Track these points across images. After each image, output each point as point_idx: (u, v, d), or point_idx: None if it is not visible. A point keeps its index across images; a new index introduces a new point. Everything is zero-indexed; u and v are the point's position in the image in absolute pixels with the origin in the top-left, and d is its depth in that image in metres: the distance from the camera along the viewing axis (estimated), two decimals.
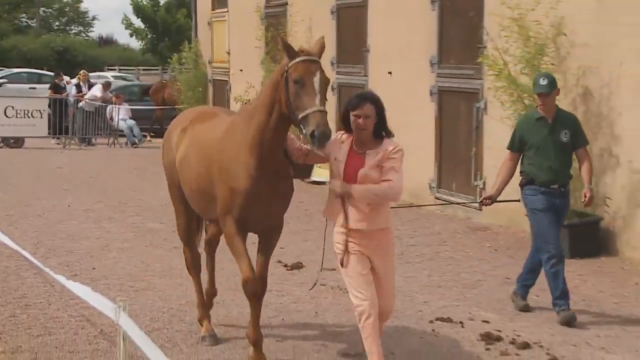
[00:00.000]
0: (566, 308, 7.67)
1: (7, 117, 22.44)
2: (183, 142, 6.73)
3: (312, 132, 5.39)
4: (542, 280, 9.18)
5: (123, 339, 4.57)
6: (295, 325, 7.42)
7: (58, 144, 23.59)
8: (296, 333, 7.17)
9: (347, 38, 16.45)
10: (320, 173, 15.87)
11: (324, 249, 6.16)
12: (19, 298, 8.10)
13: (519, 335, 7.23)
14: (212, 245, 7.35)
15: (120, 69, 51.52)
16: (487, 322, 7.64)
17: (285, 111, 5.63)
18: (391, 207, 6.04)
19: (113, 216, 12.70)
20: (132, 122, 24.11)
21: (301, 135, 5.62)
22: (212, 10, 23.76)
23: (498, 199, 8.01)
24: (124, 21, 56.13)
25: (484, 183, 12.69)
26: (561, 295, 7.68)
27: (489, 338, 7.14)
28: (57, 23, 73.06)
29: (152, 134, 25.73)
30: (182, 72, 24.53)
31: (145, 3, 55.02)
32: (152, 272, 9.30)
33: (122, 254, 10.16)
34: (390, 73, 14.77)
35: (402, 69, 14.50)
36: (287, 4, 18.91)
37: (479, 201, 7.96)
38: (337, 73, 16.16)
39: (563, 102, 11.03)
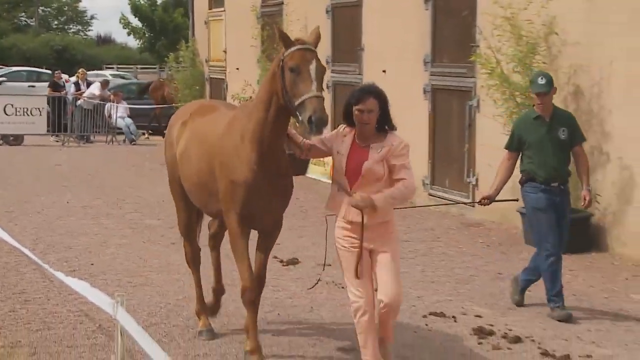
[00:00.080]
0: (561, 305, 7.68)
1: (6, 114, 22.44)
2: (183, 136, 6.68)
3: (309, 117, 5.31)
4: None
5: (121, 334, 4.57)
6: (291, 320, 7.43)
7: (57, 141, 23.56)
8: (292, 328, 7.18)
9: (342, 37, 16.45)
10: (316, 170, 15.88)
11: (325, 249, 6.13)
12: (19, 293, 8.09)
13: (511, 330, 7.24)
14: (217, 240, 7.27)
15: (118, 68, 51.43)
16: (479, 316, 7.65)
17: (283, 102, 5.55)
18: (395, 208, 5.91)
19: (111, 213, 12.69)
20: (129, 120, 24.11)
21: (297, 124, 5.55)
22: (209, 9, 23.76)
23: (496, 199, 7.95)
24: (122, 20, 56.01)
25: (477, 180, 12.71)
26: (557, 293, 7.69)
27: (481, 332, 7.15)
28: (55, 22, 72.91)
29: (150, 131, 25.74)
30: (179, 70, 24.54)
31: (142, 2, 54.89)
32: (150, 267, 9.29)
33: (120, 250, 10.15)
34: (384, 71, 14.77)
35: (396, 67, 14.50)
36: (282, 3, 18.91)
37: (477, 201, 7.89)
38: (332, 71, 16.14)
39: (555, 100, 11.05)
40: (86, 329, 7.01)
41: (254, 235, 6.30)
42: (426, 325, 7.30)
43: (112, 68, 50.35)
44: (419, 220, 12.35)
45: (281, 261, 9.49)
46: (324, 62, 5.58)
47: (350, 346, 6.67)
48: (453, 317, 7.59)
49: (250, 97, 18.50)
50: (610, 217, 10.26)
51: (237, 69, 21.23)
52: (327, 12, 16.89)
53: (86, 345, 6.60)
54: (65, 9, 73.05)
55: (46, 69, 40.41)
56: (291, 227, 10.98)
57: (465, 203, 7.83)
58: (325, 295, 8.18)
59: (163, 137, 26.74)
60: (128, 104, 24.92)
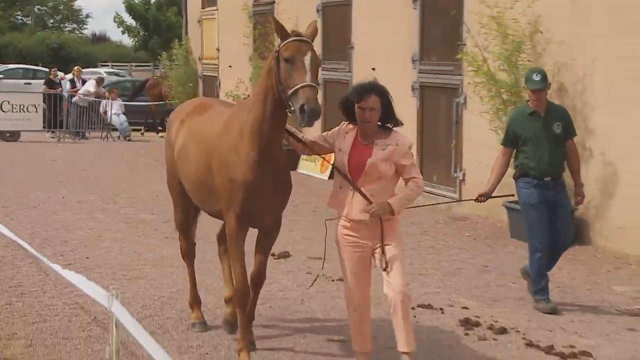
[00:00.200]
0: (546, 298, 7.70)
1: (3, 111, 22.40)
2: (181, 134, 6.59)
3: (301, 105, 5.15)
4: (518, 267, 9.23)
5: (115, 326, 4.56)
6: (282, 312, 7.43)
7: (53, 137, 23.50)
8: (283, 319, 7.18)
9: (333, 35, 16.45)
10: (306, 166, 15.87)
11: (324, 252, 6.10)
12: (15, 286, 8.07)
13: (497, 321, 7.26)
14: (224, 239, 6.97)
15: (113, 65, 51.28)
16: (466, 308, 7.67)
17: (277, 95, 5.40)
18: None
19: (106, 207, 12.66)
20: (124, 117, 24.07)
21: (289, 114, 5.37)
22: (202, 8, 23.75)
23: (493, 195, 7.89)
24: (116, 19, 55.94)
25: (464, 175, 12.74)
26: (543, 287, 7.72)
27: (468, 324, 7.16)
28: (51, 21, 72.67)
29: (146, 128, 25.72)
30: (172, 68, 24.50)
31: (137, 1, 54.80)
32: (144, 261, 9.27)
33: (115, 243, 10.13)
34: (373, 69, 14.75)
35: (385, 65, 14.49)
36: (274, 2, 18.89)
37: (474, 198, 7.83)
38: (323, 69, 16.11)
39: None
40: (81, 321, 7.00)
41: (252, 234, 6.24)
42: (414, 316, 7.30)
43: (107, 66, 50.19)
44: (408, 214, 12.32)
45: (272, 254, 9.47)
46: (319, 55, 5.48)
47: (341, 338, 6.68)
48: (440, 309, 7.60)
49: (247, 95, 18.54)
50: (593, 211, 10.29)
51: (230, 66, 21.21)
52: (317, 11, 16.88)
53: (81, 337, 6.59)
54: (61, 7, 72.82)
55: (42, 66, 40.25)
56: (282, 222, 10.97)
57: (462, 200, 7.82)
58: (315, 287, 8.16)
59: (157, 133, 26.91)
60: (122, 101, 24.88)
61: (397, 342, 5.56)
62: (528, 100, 7.83)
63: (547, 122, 7.63)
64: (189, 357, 6.22)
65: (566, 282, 8.62)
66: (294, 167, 6.51)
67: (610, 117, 10.08)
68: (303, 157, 6.15)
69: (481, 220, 11.90)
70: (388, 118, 5.61)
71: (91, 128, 24.04)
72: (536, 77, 7.63)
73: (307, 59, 5.32)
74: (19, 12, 70.64)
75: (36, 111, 22.89)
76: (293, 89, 5.22)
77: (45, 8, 72.12)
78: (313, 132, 6.79)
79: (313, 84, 5.24)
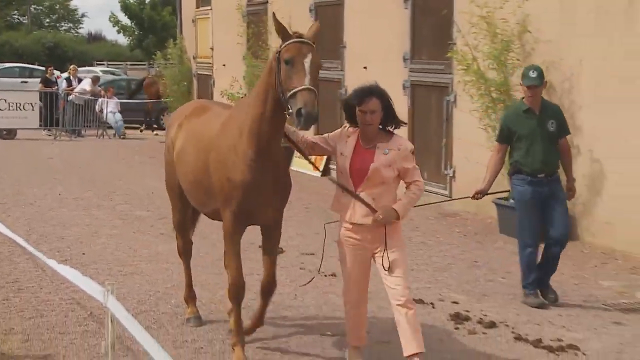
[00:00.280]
0: (535, 292, 7.72)
1: (0, 109, 22.30)
2: (180, 137, 6.50)
3: (298, 109, 5.04)
4: (507, 262, 9.26)
5: (111, 321, 4.55)
6: (276, 306, 7.41)
7: (49, 135, 23.45)
8: (276, 314, 7.17)
9: (325, 35, 16.39)
10: (299, 163, 15.86)
11: (322, 255, 6.11)
12: (12, 282, 8.05)
13: (486, 315, 7.28)
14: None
15: (108, 64, 51.14)
16: (456, 302, 7.69)
17: (277, 95, 5.30)
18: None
19: (102, 204, 12.64)
20: (119, 115, 24.05)
21: (287, 115, 5.29)
22: (197, 8, 23.71)
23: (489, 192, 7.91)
24: (112, 18, 55.78)
25: (454, 172, 12.77)
26: (532, 282, 7.74)
27: (458, 318, 7.18)
28: (47, 20, 72.42)
29: (145, 126, 25.74)
30: (167, 67, 24.48)
31: (132, 1, 54.67)
32: (140, 257, 9.26)
33: (111, 240, 10.12)
34: (365, 68, 14.77)
35: (376, 64, 14.51)
36: (267, 2, 18.86)
37: (470, 196, 7.82)
38: None
39: None
40: (78, 316, 6.99)
41: (253, 239, 6.17)
42: None
43: (103, 64, 50.05)
44: None
45: None
46: (320, 57, 5.39)
47: (334, 332, 6.69)
48: (431, 303, 7.62)
49: (243, 95, 18.52)
50: (581, 207, 10.32)
51: (224, 65, 21.20)
52: (310, 11, 16.88)
53: (78, 332, 6.59)
54: (57, 7, 72.57)
55: (38, 65, 40.13)
56: None
57: (460, 198, 7.85)
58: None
59: (153, 131, 26.93)
60: (118, 99, 24.88)
61: (403, 348, 5.46)
62: (523, 98, 7.77)
63: (542, 119, 7.59)
64: (184, 351, 6.22)
65: (554, 277, 8.60)
66: (288, 164, 6.45)
67: (597, 116, 10.11)
68: (296, 154, 6.06)
69: (471, 216, 11.92)
70: (389, 121, 5.55)
71: (87, 126, 24.00)
72: (532, 74, 7.59)
73: (307, 61, 5.21)
74: (16, 12, 70.38)
75: (33, 109, 22.82)
76: (291, 92, 5.13)
77: (41, 7, 71.88)
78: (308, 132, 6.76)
79: (311, 88, 5.12)
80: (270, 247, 6.06)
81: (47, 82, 25.17)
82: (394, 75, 13.90)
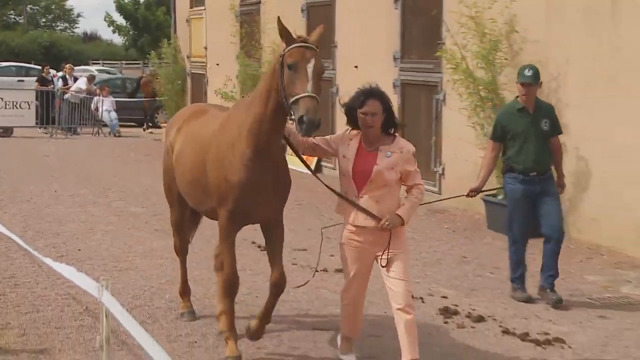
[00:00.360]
0: (522, 287, 7.74)
1: None
2: (178, 140, 6.41)
3: (300, 117, 4.95)
4: (495, 258, 9.29)
5: (106, 316, 4.54)
6: None
7: (45, 133, 23.40)
8: None
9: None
10: (292, 161, 15.84)
11: (318, 258, 6.11)
12: (8, 278, 8.03)
13: (474, 310, 7.30)
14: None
15: (104, 63, 51.01)
16: (445, 297, 7.70)
17: (280, 98, 5.21)
18: None
19: (97, 201, 12.62)
20: (114, 114, 24.01)
21: (290, 122, 5.22)
22: (190, 8, 23.67)
23: (482, 190, 7.86)
24: (107, 18, 55.65)
25: (443, 169, 12.79)
26: (519, 276, 7.75)
27: (447, 312, 7.20)
28: (43, 20, 72.17)
29: (149, 124, 25.72)
30: (161, 66, 24.44)
31: (126, 1, 54.55)
32: (134, 253, 9.25)
33: (106, 236, 10.10)
34: (356, 67, 14.78)
35: (367, 63, 14.51)
36: (260, 2, 18.86)
37: (465, 194, 7.80)
38: None
39: (516, 93, 11.12)
40: (73, 311, 6.98)
41: (242, 230, 6.14)
42: None
43: (98, 64, 49.92)
44: None
45: (259, 246, 9.48)
46: (323, 62, 5.27)
47: (325, 326, 6.70)
48: (421, 298, 7.62)
49: (236, 93, 18.51)
50: (567, 204, 10.33)
51: (217, 64, 21.17)
52: (302, 10, 16.86)
53: (73, 326, 6.58)
54: (53, 7, 72.35)
55: (35, 64, 39.98)
56: None
57: (453, 197, 7.87)
58: (301, 278, 8.19)
59: (147, 129, 26.88)
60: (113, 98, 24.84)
61: (402, 350, 5.46)
62: (517, 96, 7.74)
63: (536, 118, 7.56)
64: (178, 345, 6.21)
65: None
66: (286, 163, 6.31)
67: (583, 114, 10.13)
68: (288, 151, 6.00)
69: (460, 212, 11.93)
70: (390, 123, 5.48)
71: (83, 124, 23.95)
72: (528, 72, 7.56)
73: (310, 66, 5.09)
74: (12, 12, 70.13)
75: (29, 108, 22.78)
76: (294, 98, 5.03)
77: (37, 7, 71.63)
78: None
79: (314, 95, 5.01)
80: (274, 245, 5.87)
81: (43, 81, 25.10)
82: (384, 74, 13.90)
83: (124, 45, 58.95)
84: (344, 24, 15.47)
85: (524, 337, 6.60)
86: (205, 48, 22.33)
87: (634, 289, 8.30)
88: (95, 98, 23.86)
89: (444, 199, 7.95)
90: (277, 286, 5.82)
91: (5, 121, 22.39)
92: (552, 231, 7.59)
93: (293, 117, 5.06)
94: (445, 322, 6.98)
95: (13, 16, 70.47)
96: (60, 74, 26.82)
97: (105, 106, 23.77)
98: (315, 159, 13.61)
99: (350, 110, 5.49)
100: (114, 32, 56.31)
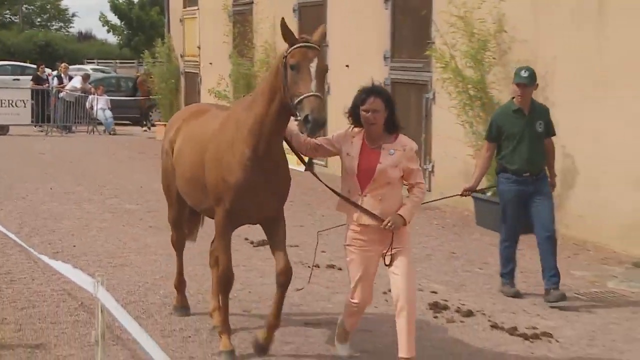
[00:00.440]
0: (511, 283, 7.75)
1: None
2: (178, 139, 6.30)
3: (305, 116, 4.88)
4: (484, 253, 9.30)
5: (101, 311, 4.52)
6: (261, 297, 7.42)
7: (40, 131, 23.33)
8: (261, 305, 7.17)
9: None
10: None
11: (314, 259, 6.10)
12: (4, 274, 8.00)
13: (464, 304, 7.31)
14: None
15: (98, 62, 50.85)
16: (435, 292, 7.70)
17: (285, 100, 5.12)
18: None
19: (92, 198, 12.58)
20: (109, 112, 23.95)
21: (296, 122, 5.09)
22: (184, 8, 23.64)
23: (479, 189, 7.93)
24: (101, 18, 55.50)
25: (433, 167, 12.79)
26: (509, 272, 7.77)
27: (436, 307, 7.20)
28: (39, 19, 71.84)
29: (152, 123, 25.67)
30: (155, 65, 24.40)
31: (120, 1, 54.42)
32: (129, 249, 9.22)
33: (101, 232, 10.07)
34: (347, 66, 14.77)
35: (358, 62, 14.51)
36: (252, 2, 18.84)
37: (459, 193, 7.79)
38: None
39: (504, 92, 11.15)
40: (69, 306, 6.95)
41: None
42: (386, 300, 7.32)
43: (93, 63, 49.74)
44: None
45: (251, 243, 9.48)
46: (326, 61, 5.17)
47: (316, 321, 6.70)
48: None
49: (234, 93, 18.49)
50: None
51: (210, 63, 21.15)
52: (294, 11, 16.84)
53: (69, 321, 6.55)
54: (48, 7, 72.03)
55: (30, 63, 39.85)
56: None
57: (449, 197, 7.86)
58: (293, 275, 8.16)
59: (142, 126, 26.91)
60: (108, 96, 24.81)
61: (399, 346, 5.41)
62: (513, 98, 7.68)
63: (531, 120, 7.52)
64: (172, 340, 6.19)
65: (529, 267, 8.68)
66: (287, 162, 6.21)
67: (570, 113, 10.13)
68: (287, 150, 5.90)
69: (449, 209, 11.94)
70: (393, 121, 5.37)
71: (77, 122, 23.89)
72: (524, 74, 7.52)
73: (313, 66, 5.03)
74: (7, 11, 69.79)
75: (25, 106, 22.73)
76: (299, 98, 4.96)
77: (32, 7, 71.29)
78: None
79: (318, 94, 4.96)
80: (276, 238, 5.75)
81: (39, 80, 25.02)
82: (374, 73, 13.79)
83: (118, 45, 58.83)
84: (335, 24, 15.44)
85: (512, 331, 6.61)
86: (199, 47, 22.29)
87: (620, 284, 8.32)
88: (90, 96, 23.80)
89: (440, 199, 7.90)
90: (283, 278, 5.66)
91: (1, 119, 22.33)
92: (544, 231, 7.56)
93: (298, 117, 4.98)
94: (435, 317, 6.99)
95: (9, 16, 70.15)
96: (55, 72, 26.75)
97: (99, 104, 23.71)
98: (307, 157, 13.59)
99: (354, 108, 5.41)
100: (108, 31, 56.29)
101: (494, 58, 11.11)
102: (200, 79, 22.13)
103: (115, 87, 28.59)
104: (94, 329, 4.69)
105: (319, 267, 8.29)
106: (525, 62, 10.69)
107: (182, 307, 6.83)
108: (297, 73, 5.04)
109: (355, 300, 5.54)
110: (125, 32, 55.09)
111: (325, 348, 6.09)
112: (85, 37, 69.99)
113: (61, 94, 23.63)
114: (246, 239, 9.42)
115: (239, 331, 6.33)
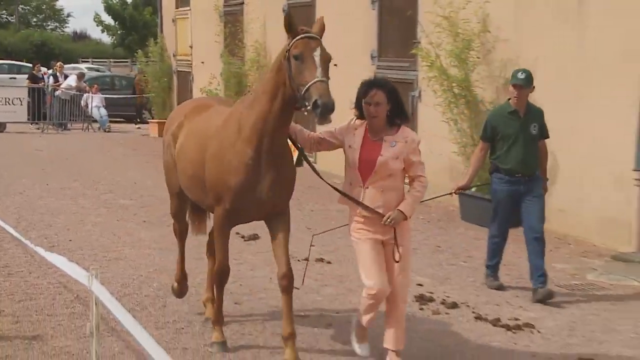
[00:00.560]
0: (495, 276, 7.77)
1: None
2: (181, 134, 6.12)
3: (315, 101, 4.75)
4: (469, 247, 9.32)
5: (96, 304, 4.51)
6: (252, 290, 7.42)
7: (37, 129, 23.21)
8: (252, 297, 7.17)
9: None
10: None
11: (307, 260, 6.09)
12: (2, 267, 7.96)
13: (449, 297, 7.32)
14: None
15: (93, 61, 50.63)
16: (421, 285, 7.71)
17: (291, 92, 4.99)
18: None
19: (87, 193, 12.53)
20: (104, 110, 23.88)
21: (305, 112, 4.88)
22: (176, 8, 23.58)
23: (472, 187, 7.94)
24: (96, 18, 55.31)
25: None
26: (495, 265, 7.78)
27: (422, 299, 7.21)
28: (34, 19, 71.49)
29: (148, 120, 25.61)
30: (148, 64, 24.34)
31: (114, 1, 54.24)
32: (123, 243, 9.20)
33: (96, 227, 10.04)
34: (335, 65, 14.66)
35: (346, 62, 14.43)
36: (243, 3, 18.79)
37: (452, 192, 7.77)
38: None
39: (488, 90, 11.18)
40: (65, 299, 6.93)
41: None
42: None
43: (88, 62, 49.54)
44: None
45: (242, 237, 9.47)
46: (328, 50, 5.07)
47: (307, 312, 6.69)
48: None
49: (225, 91, 18.45)
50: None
51: (202, 62, 21.09)
52: (283, 11, 16.79)
53: (65, 314, 6.53)
54: (44, 7, 71.69)
55: (26, 62, 39.65)
56: None
57: (441, 195, 7.86)
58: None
59: (136, 123, 26.84)
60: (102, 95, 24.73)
61: (385, 338, 5.37)
62: (509, 99, 7.62)
63: (525, 122, 7.47)
64: (166, 331, 6.18)
65: (512, 261, 8.70)
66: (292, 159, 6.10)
67: (552, 112, 10.05)
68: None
69: (434, 204, 11.90)
70: (396, 114, 5.24)
71: (73, 120, 23.79)
72: (520, 75, 7.47)
73: (317, 54, 4.95)
74: (4, 11, 69.44)
75: (21, 104, 22.60)
76: (305, 87, 4.84)
77: (28, 7, 70.95)
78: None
79: (324, 79, 4.87)
80: (279, 239, 5.56)
81: (35, 78, 24.92)
82: (362, 72, 13.84)
83: (112, 44, 58.62)
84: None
85: (496, 322, 6.63)
86: (191, 47, 22.24)
87: (599, 277, 8.37)
88: (85, 95, 23.72)
89: (434, 197, 7.85)
90: (286, 278, 5.51)
91: None
92: (532, 232, 7.53)
93: (307, 105, 4.82)
94: (421, 309, 6.99)
95: (5, 16, 69.78)
96: (51, 71, 26.63)
97: (94, 102, 23.62)
98: (297, 153, 13.57)
99: (358, 101, 5.32)
100: (102, 31, 56.11)
101: (478, 57, 11.13)
102: (193, 77, 22.08)
103: (109, 85, 28.50)
104: (89, 321, 4.68)
105: (308, 260, 8.28)
106: (508, 62, 10.76)
107: (181, 293, 6.72)
108: (302, 63, 4.94)
109: (373, 289, 5.22)
110: (119, 32, 54.92)
111: (315, 338, 6.09)
112: (80, 36, 69.66)
113: (57, 92, 23.52)
114: (237, 233, 9.40)
115: (231, 323, 6.32)
